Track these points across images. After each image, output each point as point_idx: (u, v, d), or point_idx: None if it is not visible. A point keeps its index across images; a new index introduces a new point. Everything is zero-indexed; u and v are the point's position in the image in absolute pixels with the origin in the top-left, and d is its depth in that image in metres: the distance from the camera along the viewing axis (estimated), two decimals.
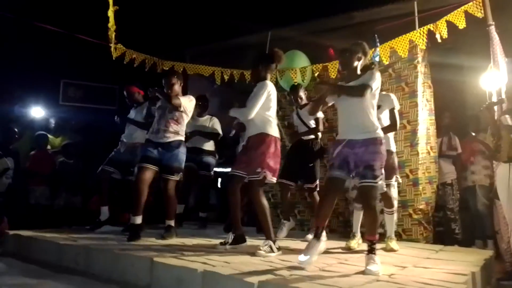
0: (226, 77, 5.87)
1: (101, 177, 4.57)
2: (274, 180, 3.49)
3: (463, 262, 3.16)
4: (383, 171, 2.99)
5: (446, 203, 5.22)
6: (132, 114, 4.82)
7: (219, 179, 7.88)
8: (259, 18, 6.26)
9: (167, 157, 4.02)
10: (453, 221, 5.18)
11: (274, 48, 3.70)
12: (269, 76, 3.62)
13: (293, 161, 4.55)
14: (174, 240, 3.87)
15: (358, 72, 3.07)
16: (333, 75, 5.33)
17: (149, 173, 3.96)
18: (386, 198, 3.78)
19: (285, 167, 4.48)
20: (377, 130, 2.96)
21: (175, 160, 4.05)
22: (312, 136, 4.58)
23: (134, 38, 5.92)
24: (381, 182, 2.94)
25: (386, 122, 3.80)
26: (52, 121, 7.34)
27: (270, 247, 3.29)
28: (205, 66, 6.06)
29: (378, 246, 2.91)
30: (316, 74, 5.51)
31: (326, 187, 3.12)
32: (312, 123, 4.56)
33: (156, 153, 4.02)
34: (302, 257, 2.82)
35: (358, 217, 3.89)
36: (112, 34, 5.45)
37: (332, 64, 5.36)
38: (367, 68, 3.11)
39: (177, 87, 4.18)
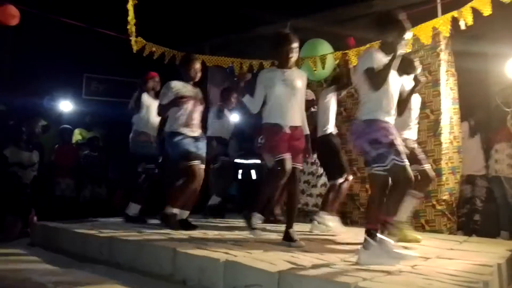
0: (245, 68, 5.85)
1: (147, 176, 4.55)
2: None
3: (488, 253, 3.09)
4: None
5: (479, 193, 5.14)
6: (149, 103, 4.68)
7: (240, 171, 7.91)
8: (278, 9, 6.20)
9: (203, 149, 4.09)
10: (479, 212, 5.08)
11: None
12: None
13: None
14: (196, 231, 3.90)
15: None
16: (355, 63, 5.24)
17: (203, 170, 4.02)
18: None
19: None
20: None
21: (205, 150, 4.14)
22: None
23: (153, 31, 5.94)
24: None
25: None
26: (89, 117, 7.48)
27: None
28: (224, 58, 6.06)
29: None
30: (336, 62, 5.43)
31: (395, 176, 2.74)
32: None
33: (197, 147, 4.03)
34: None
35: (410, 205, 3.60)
36: (132, 28, 5.50)
37: (353, 52, 5.27)
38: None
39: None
